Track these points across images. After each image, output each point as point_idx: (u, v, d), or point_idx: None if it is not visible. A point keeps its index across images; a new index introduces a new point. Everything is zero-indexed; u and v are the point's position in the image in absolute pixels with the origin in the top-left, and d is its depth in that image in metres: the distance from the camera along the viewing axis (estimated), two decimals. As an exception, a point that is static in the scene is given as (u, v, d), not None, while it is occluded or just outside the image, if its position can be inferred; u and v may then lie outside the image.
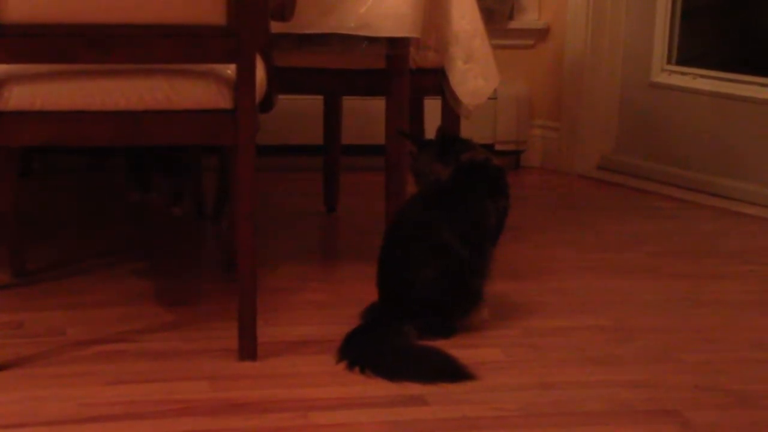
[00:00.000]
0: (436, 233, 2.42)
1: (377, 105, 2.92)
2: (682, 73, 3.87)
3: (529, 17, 4.11)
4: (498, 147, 4.06)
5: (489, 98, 3.88)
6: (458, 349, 2.34)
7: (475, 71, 2.79)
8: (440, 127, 2.63)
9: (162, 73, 2.27)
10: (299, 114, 3.82)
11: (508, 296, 2.73)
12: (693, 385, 2.26)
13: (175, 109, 2.27)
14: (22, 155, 3.66)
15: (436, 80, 2.89)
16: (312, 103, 3.55)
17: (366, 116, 3.80)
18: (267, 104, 2.47)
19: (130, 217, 3.44)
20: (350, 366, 2.27)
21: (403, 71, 2.77)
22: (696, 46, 3.97)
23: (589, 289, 2.86)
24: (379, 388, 2.20)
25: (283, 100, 3.16)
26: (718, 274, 3.01)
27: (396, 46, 2.73)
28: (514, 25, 4.08)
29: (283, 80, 2.68)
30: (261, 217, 3.37)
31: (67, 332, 2.44)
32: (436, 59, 2.86)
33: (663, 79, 3.91)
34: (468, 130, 3.03)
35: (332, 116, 3.42)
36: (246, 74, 2.24)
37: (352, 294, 2.65)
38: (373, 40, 2.68)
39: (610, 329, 2.57)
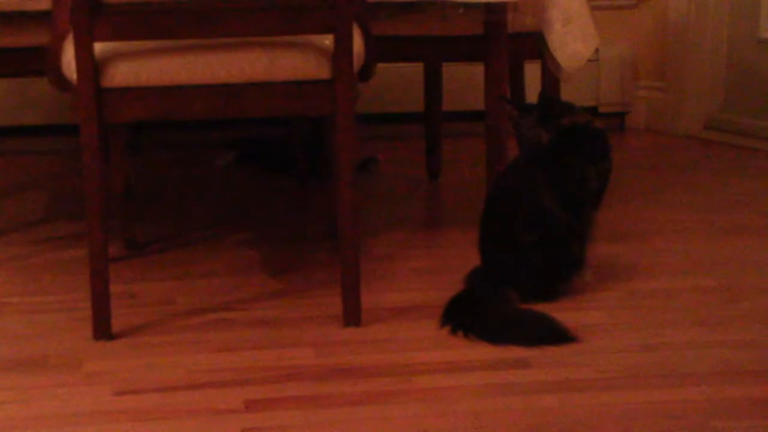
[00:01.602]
0: (537, 198, 2.42)
1: (478, 71, 2.91)
2: (791, 28, 3.79)
3: (631, -23, 4.06)
4: (602, 109, 4.03)
5: (590, 60, 3.89)
6: (561, 312, 2.34)
7: (574, 34, 2.76)
8: (542, 91, 2.62)
9: (261, 45, 2.30)
10: (401, 82, 3.83)
11: (611, 258, 2.71)
12: (802, 344, 2.23)
13: (274, 81, 2.30)
14: (131, 133, 3.76)
15: (535, 44, 2.87)
16: (414, 71, 3.56)
17: (467, 83, 3.80)
18: (366, 73, 2.48)
19: (238, 191, 3.50)
20: (453, 330, 2.29)
21: (501, 36, 2.75)
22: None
23: (694, 250, 2.82)
24: (482, 352, 2.21)
25: (385, 68, 3.19)
26: (829, 233, 2.96)
27: (493, 11, 2.72)
28: (615, -15, 4.04)
29: (381, 49, 2.69)
30: (364, 185, 3.41)
31: (176, 302, 2.50)
32: (534, 23, 2.84)
33: (771, 34, 3.83)
34: (570, 94, 3.01)
35: (433, 83, 3.42)
36: (343, 44, 2.27)
37: (455, 260, 2.67)
38: (469, 6, 2.67)
39: (715, 290, 2.54)
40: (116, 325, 2.32)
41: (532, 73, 3.13)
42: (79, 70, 2.21)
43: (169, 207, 3.31)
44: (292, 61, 2.30)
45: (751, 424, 1.91)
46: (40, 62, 2.37)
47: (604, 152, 2.51)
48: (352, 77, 2.30)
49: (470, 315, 2.31)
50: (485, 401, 2.01)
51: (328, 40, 2.30)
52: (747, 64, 3.88)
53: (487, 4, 2.68)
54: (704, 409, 1.96)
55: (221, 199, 3.40)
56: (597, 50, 3.95)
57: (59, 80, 2.36)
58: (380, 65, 2.75)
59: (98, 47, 2.23)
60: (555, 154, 2.47)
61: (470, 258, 2.52)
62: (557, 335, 2.24)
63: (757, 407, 1.97)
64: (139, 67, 2.26)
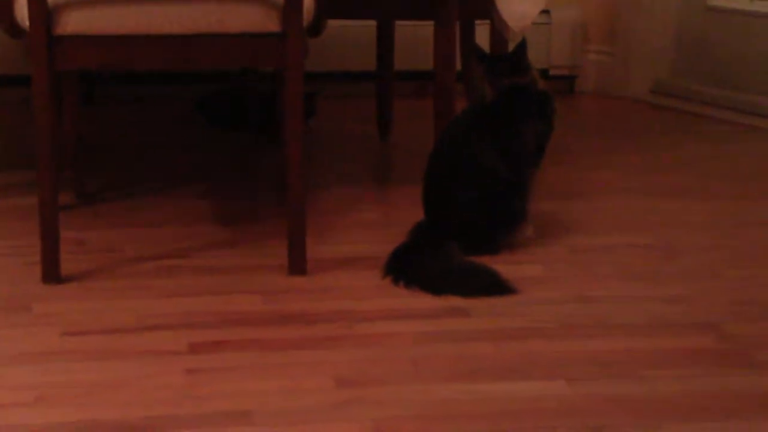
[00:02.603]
0: (478, 154, 2.48)
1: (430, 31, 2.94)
2: (739, -4, 3.86)
3: (584, -59, 4.11)
4: (552, 72, 4.09)
5: (542, 23, 3.95)
6: (501, 265, 2.40)
7: (522, -6, 2.81)
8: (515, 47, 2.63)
9: (213, -3, 2.34)
10: (353, 41, 3.87)
11: (553, 215, 2.78)
12: (733, 299, 2.31)
13: (225, 33, 2.34)
14: (86, 85, 3.78)
15: (485, 4, 2.91)
16: (366, 30, 3.59)
17: (420, 42, 3.83)
18: (315, 29, 2.52)
19: (193, 145, 3.54)
20: (395, 281, 2.35)
21: (452, -5, 2.80)
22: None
23: (635, 209, 2.90)
24: (422, 301, 2.28)
25: (337, 26, 3.22)
26: (767, 196, 3.04)
27: (443, -30, 2.76)
28: (568, -51, 4.08)
29: (332, 6, 2.72)
30: (315, 141, 3.46)
31: (125, 249, 2.55)
32: (484, -18, 2.88)
33: (719, 2, 3.89)
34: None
35: (385, 42, 3.46)
36: (293, -2, 2.31)
37: (402, 215, 2.72)
38: (420, -36, 2.71)
39: (653, 247, 2.61)
40: (65, 270, 2.36)
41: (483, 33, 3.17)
42: (31, 17, 2.23)
43: (122, 159, 3.34)
44: (243, 14, 2.34)
45: (676, 372, 1.98)
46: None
47: (544, 112, 2.56)
48: (302, 31, 2.34)
49: (412, 266, 2.37)
50: (423, 347, 2.07)
51: (279, -6, 2.34)
52: (695, 31, 3.95)
53: (437, -37, 2.72)
54: (633, 359, 2.04)
55: (174, 152, 3.43)
56: (549, 14, 4.03)
57: (12, 27, 2.38)
58: (334, 23, 2.80)
59: (51, -5, 2.26)
60: (496, 112, 2.52)
61: (416, 213, 2.58)
62: (496, 286, 2.31)
63: (683, 357, 2.05)
64: (91, 15, 2.29)
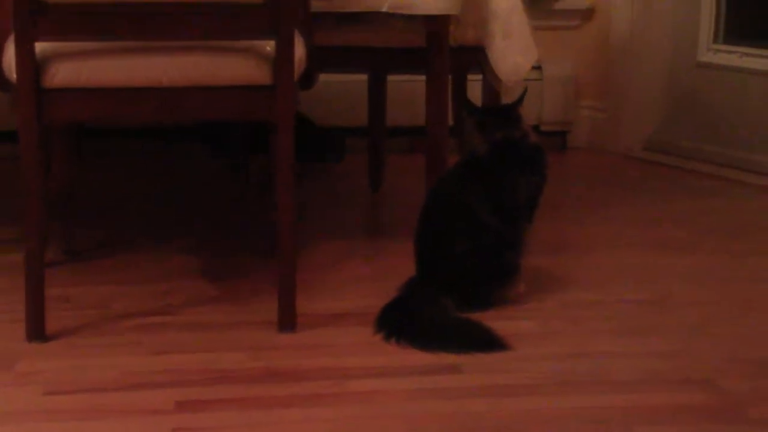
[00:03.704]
0: (471, 207, 2.45)
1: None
2: (729, 52, 3.86)
3: (575, -3, 4.12)
4: (544, 128, 4.08)
5: (534, 79, 3.95)
6: (494, 321, 2.37)
7: (514, 47, 2.80)
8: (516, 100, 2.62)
9: (203, 49, 2.32)
10: (347, 96, 3.86)
11: (546, 270, 2.75)
12: (726, 355, 2.27)
13: (215, 85, 2.32)
14: (76, 137, 3.75)
15: (477, 58, 2.91)
16: (361, 86, 3.58)
17: (412, 98, 3.83)
18: (307, 81, 2.51)
19: (181, 198, 3.51)
20: (387, 337, 2.31)
21: (443, 49, 2.78)
22: (744, 25, 3.95)
23: (627, 264, 2.87)
24: (414, 358, 2.24)
25: (330, 82, 3.21)
26: (758, 251, 3.01)
27: (435, 23, 2.75)
28: (559, 5, 4.09)
29: (324, 59, 2.72)
30: (306, 195, 3.43)
31: (111, 306, 2.50)
32: (475, 36, 2.87)
33: (710, 58, 3.89)
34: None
35: (377, 96, 3.45)
36: (284, 50, 2.29)
37: (393, 269, 2.68)
38: (410, 18, 2.71)
39: (645, 302, 2.58)
40: (50, 327, 2.32)
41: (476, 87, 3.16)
42: (18, 69, 2.22)
43: (109, 213, 3.30)
44: (233, 66, 2.32)
45: (671, 429, 1.95)
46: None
47: (536, 166, 2.54)
48: (293, 83, 2.32)
49: (403, 322, 2.33)
50: (416, 405, 2.03)
51: (269, 47, 2.32)
52: (686, 87, 3.95)
53: (428, 17, 2.71)
54: (628, 415, 2.00)
55: (162, 206, 3.40)
56: (540, 69, 4.03)
57: (0, 80, 2.36)
58: (328, 79, 2.79)
59: (39, 47, 2.24)
60: (489, 165, 2.50)
61: (408, 267, 2.55)
62: (489, 342, 2.27)
63: (677, 413, 2.01)
64: (80, 67, 2.27)
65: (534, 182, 2.53)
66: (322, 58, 2.59)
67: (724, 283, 2.75)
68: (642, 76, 4.00)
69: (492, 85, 2.92)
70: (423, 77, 2.84)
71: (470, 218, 2.45)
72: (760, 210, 3.44)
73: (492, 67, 2.82)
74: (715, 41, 3.90)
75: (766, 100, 3.73)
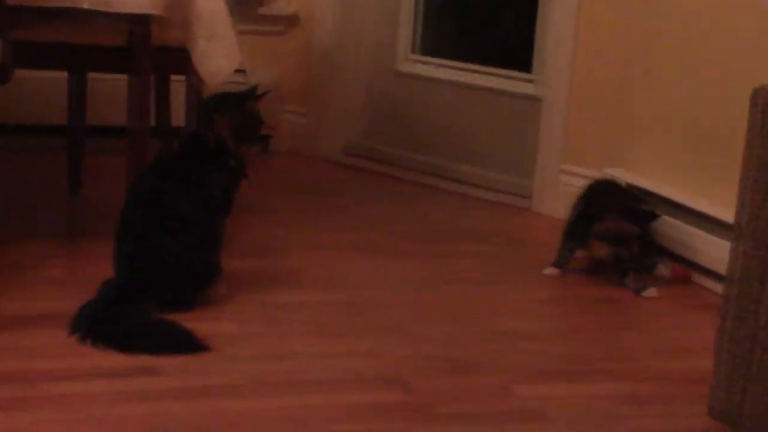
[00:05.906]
0: (167, 204, 2.45)
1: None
2: (425, 63, 4.02)
3: (279, 4, 4.16)
4: (246, 131, 4.09)
5: (238, 82, 3.96)
6: (195, 322, 2.37)
7: (218, 50, 2.80)
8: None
9: None
10: (44, 93, 3.74)
11: (248, 273, 2.77)
12: (418, 354, 2.37)
13: None
14: None
15: (181, 58, 2.89)
16: (58, 83, 3.49)
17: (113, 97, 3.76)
18: (2, 77, 2.42)
19: None
20: (82, 339, 2.26)
21: (145, 48, 2.76)
22: (438, 39, 4.12)
23: (327, 267, 2.93)
24: (111, 360, 2.20)
25: (29, 79, 3.10)
26: (452, 254, 3.15)
27: (137, 22, 2.72)
28: (264, 11, 4.12)
29: (24, 55, 2.63)
30: (2, 196, 3.30)
31: None
32: (180, 37, 2.86)
33: (407, 67, 4.04)
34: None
35: (77, 95, 3.37)
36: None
37: (92, 271, 2.63)
38: (113, 16, 2.66)
39: (344, 304, 2.66)
40: None
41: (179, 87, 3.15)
42: None
43: None
44: None
45: (366, 426, 2.01)
46: None
47: (223, 164, 2.55)
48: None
49: (100, 323, 2.29)
50: (110, 407, 2.01)
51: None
52: (384, 94, 4.08)
53: (131, 15, 2.68)
54: (325, 414, 2.05)
55: None
56: (244, 73, 4.05)
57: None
58: (24, 74, 2.70)
59: None
60: (181, 162, 2.50)
61: (107, 269, 2.50)
62: (188, 344, 2.27)
63: (373, 411, 2.08)
64: None
65: (225, 178, 2.54)
66: (20, 54, 2.51)
67: (419, 284, 2.86)
68: (343, 83, 4.10)
69: (195, 86, 2.91)
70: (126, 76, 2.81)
71: (170, 215, 2.45)
72: (452, 214, 3.60)
73: (195, 68, 2.82)
74: (412, 52, 4.05)
75: (457, 109, 3.91)
